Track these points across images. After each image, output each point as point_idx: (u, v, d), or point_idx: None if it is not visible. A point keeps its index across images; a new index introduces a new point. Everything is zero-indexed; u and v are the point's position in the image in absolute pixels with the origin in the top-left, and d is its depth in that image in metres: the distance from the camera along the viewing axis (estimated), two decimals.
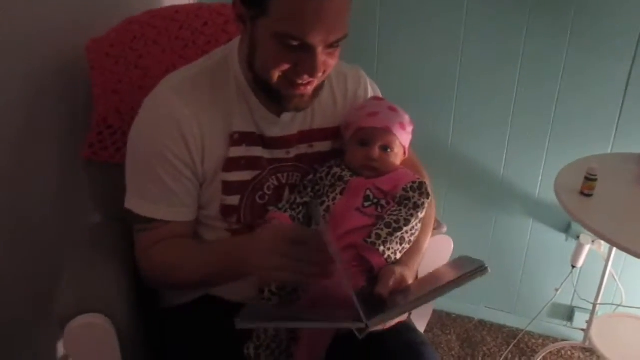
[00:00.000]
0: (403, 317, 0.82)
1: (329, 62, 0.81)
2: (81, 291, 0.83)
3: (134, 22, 1.07)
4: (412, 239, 0.87)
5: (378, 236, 0.82)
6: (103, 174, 1.06)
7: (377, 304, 0.72)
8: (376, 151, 0.91)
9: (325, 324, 0.71)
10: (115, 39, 1.04)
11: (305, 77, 0.80)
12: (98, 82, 1.02)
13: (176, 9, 1.11)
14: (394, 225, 0.83)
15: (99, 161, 1.04)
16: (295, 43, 0.75)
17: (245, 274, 0.82)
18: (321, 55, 0.78)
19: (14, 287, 1.03)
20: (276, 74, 0.80)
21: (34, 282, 1.07)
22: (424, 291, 0.73)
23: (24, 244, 1.05)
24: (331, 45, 0.79)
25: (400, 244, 0.84)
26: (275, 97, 0.85)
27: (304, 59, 0.78)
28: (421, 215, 0.88)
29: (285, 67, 0.79)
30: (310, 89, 0.84)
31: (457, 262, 0.81)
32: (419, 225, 0.88)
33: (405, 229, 0.84)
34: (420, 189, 0.89)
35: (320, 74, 0.81)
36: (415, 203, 0.87)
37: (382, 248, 0.81)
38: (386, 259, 0.82)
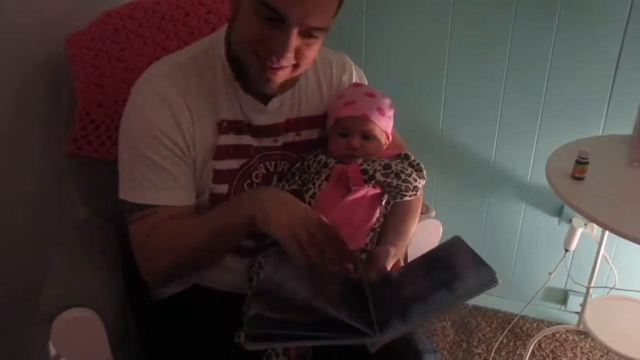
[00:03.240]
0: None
1: (304, 53, 0.79)
2: (67, 286, 0.82)
3: (115, 14, 1.05)
4: (404, 181, 0.87)
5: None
6: (87, 169, 1.04)
7: (383, 309, 0.70)
8: (357, 141, 0.90)
9: (335, 340, 0.68)
10: (95, 32, 1.02)
11: (274, 59, 0.78)
12: (80, 77, 1.00)
13: (157, 0, 1.09)
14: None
15: (83, 156, 1.02)
16: (272, 15, 0.74)
17: (255, 226, 0.77)
18: (294, 38, 0.76)
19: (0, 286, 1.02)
20: (247, 49, 0.79)
21: (21, 280, 1.06)
22: (430, 298, 0.71)
23: (9, 241, 1.03)
24: (308, 33, 0.77)
25: (384, 169, 0.87)
26: (245, 76, 0.85)
27: (276, 36, 0.76)
28: (421, 181, 0.89)
29: (256, 41, 0.77)
30: (279, 75, 0.81)
31: (457, 253, 0.78)
32: (418, 182, 0.89)
33: (394, 168, 0.87)
34: (408, 158, 0.91)
35: (289, 55, 0.78)
36: (410, 163, 0.90)
37: (364, 166, 0.87)
38: (362, 171, 0.86)
